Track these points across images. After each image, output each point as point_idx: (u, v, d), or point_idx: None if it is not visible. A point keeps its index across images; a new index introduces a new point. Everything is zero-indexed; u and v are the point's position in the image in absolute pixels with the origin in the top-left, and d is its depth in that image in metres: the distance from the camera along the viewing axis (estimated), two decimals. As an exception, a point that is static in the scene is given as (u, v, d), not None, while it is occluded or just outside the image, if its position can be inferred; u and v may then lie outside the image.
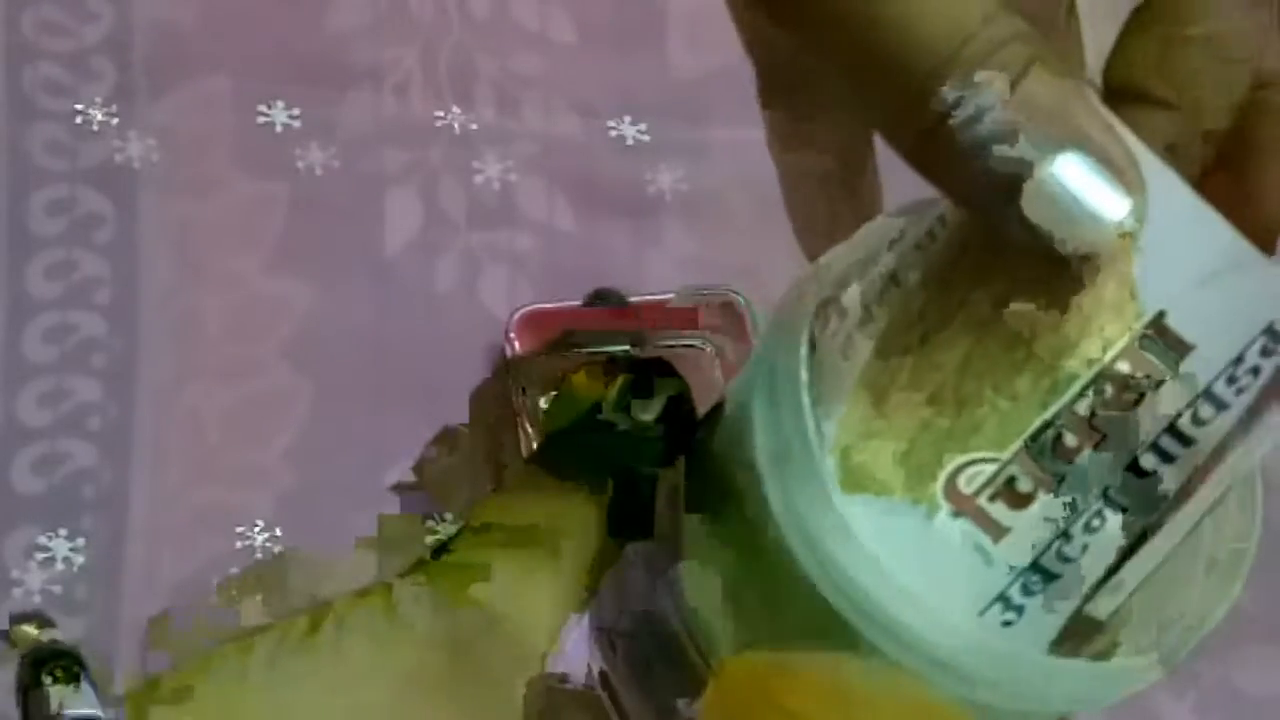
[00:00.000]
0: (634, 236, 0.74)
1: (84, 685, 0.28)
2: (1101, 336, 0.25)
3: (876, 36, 0.23)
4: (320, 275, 0.72)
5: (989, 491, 0.26)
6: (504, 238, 0.74)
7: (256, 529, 0.67)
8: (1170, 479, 0.25)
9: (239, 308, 0.71)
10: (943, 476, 0.26)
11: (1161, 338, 0.24)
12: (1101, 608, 0.27)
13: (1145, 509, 0.26)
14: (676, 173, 0.75)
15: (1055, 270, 0.24)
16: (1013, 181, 0.23)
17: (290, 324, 0.71)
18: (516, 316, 0.69)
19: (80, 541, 0.66)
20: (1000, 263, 0.25)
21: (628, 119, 0.76)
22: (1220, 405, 0.25)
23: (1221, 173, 0.27)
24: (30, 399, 0.68)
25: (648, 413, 0.31)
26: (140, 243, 0.71)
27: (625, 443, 0.31)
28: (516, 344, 0.68)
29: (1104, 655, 0.30)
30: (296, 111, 0.75)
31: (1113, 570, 0.26)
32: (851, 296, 0.28)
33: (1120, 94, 0.25)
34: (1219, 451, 0.25)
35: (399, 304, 0.72)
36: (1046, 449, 0.26)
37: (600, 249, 0.74)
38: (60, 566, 0.65)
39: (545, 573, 0.30)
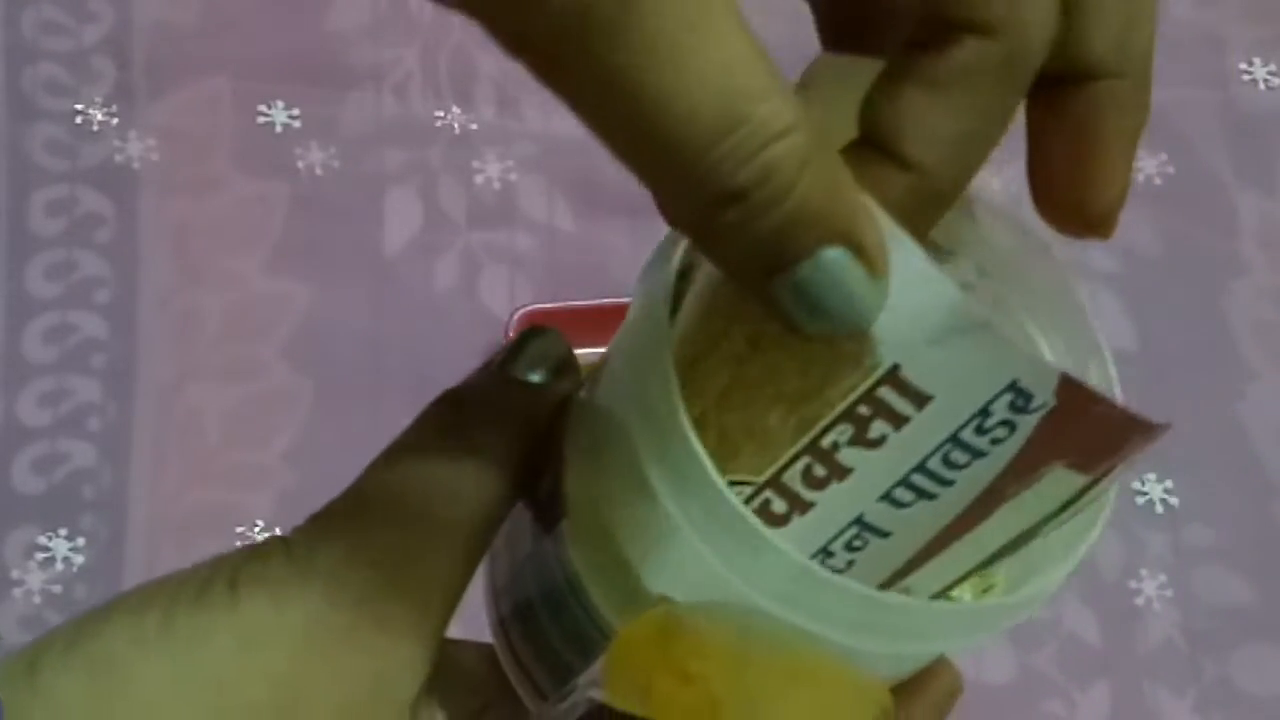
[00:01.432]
0: (633, 236, 0.74)
1: None
2: (843, 384, 0.26)
3: (645, 110, 0.23)
4: (320, 275, 0.72)
5: (750, 509, 0.27)
6: (504, 237, 0.74)
7: (256, 529, 0.67)
8: (935, 511, 0.27)
9: (239, 307, 0.71)
10: None
11: (899, 388, 0.26)
12: (917, 585, 0.29)
13: (909, 534, 0.27)
14: (676, 172, 0.75)
15: None
16: (774, 264, 0.24)
17: (290, 324, 0.71)
18: (516, 316, 0.69)
19: (80, 541, 0.66)
20: (752, 307, 0.26)
21: (628, 119, 0.76)
22: (975, 452, 0.26)
23: (1063, 162, 0.28)
24: (30, 399, 0.68)
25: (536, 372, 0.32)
26: (140, 243, 0.71)
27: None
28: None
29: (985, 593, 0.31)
30: (296, 111, 0.75)
31: (905, 572, 0.28)
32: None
33: (867, 143, 0.26)
34: (994, 493, 0.27)
35: (399, 304, 0.72)
36: (798, 478, 0.27)
37: (600, 248, 0.74)
38: (60, 566, 0.65)
39: (447, 531, 0.30)
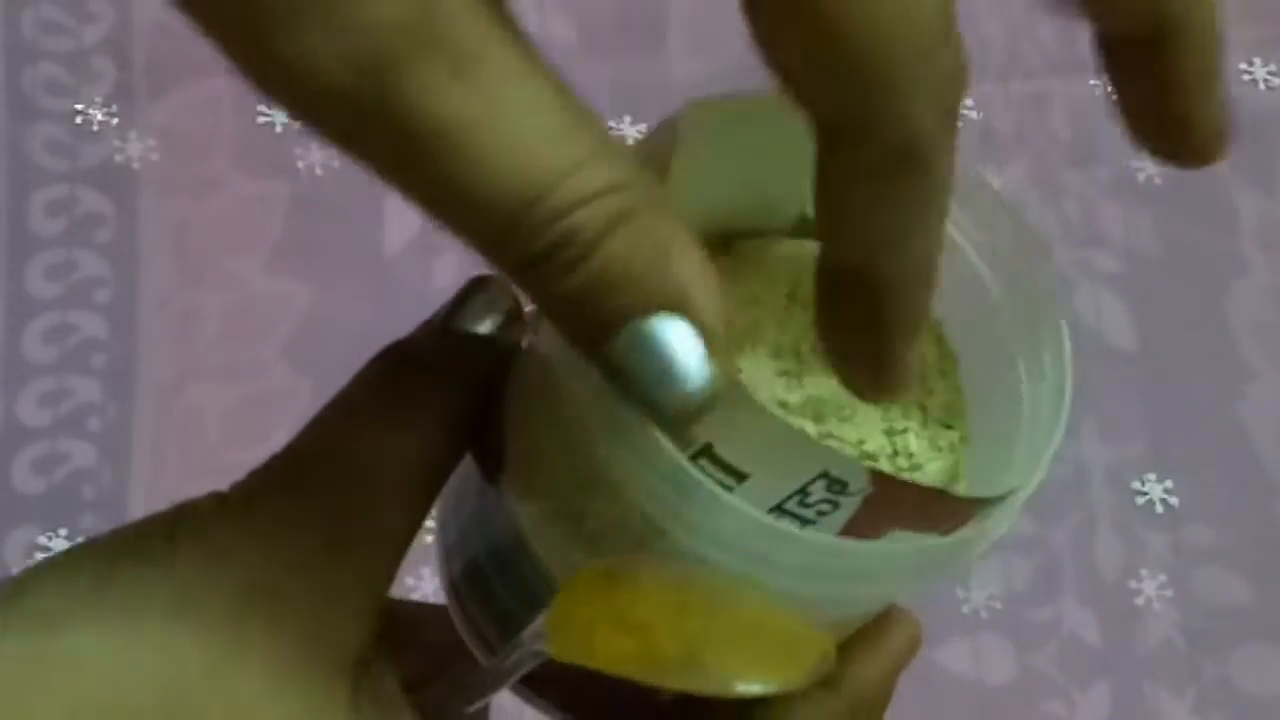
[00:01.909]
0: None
1: None
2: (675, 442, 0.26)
3: (437, 194, 0.22)
4: (320, 275, 0.72)
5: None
6: (504, 237, 0.74)
7: (256, 529, 0.67)
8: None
9: (239, 307, 0.71)
10: None
11: (715, 462, 0.26)
12: None
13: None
14: (676, 172, 0.75)
15: None
16: (601, 330, 0.23)
17: (290, 324, 0.71)
18: (516, 316, 0.69)
19: (80, 541, 0.66)
20: None
21: (628, 119, 0.76)
22: (804, 520, 0.26)
23: (1149, 110, 0.27)
24: (30, 399, 0.68)
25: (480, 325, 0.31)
26: (140, 243, 0.72)
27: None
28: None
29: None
30: (296, 111, 0.75)
31: None
32: None
33: None
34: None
35: (398, 304, 0.72)
36: None
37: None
38: (60, 566, 0.65)
39: (388, 488, 0.29)
